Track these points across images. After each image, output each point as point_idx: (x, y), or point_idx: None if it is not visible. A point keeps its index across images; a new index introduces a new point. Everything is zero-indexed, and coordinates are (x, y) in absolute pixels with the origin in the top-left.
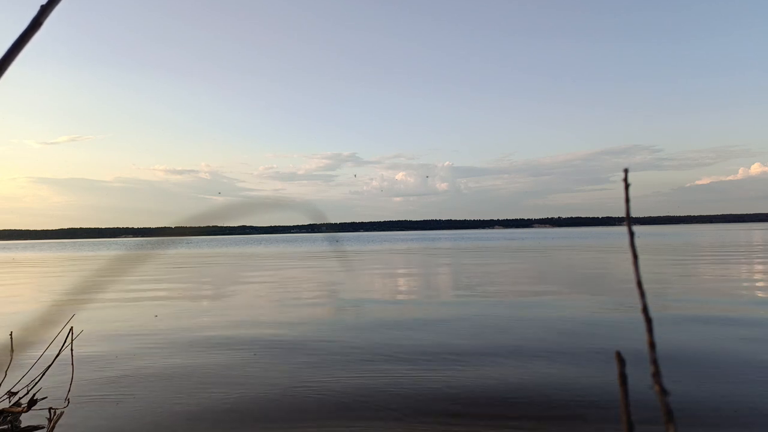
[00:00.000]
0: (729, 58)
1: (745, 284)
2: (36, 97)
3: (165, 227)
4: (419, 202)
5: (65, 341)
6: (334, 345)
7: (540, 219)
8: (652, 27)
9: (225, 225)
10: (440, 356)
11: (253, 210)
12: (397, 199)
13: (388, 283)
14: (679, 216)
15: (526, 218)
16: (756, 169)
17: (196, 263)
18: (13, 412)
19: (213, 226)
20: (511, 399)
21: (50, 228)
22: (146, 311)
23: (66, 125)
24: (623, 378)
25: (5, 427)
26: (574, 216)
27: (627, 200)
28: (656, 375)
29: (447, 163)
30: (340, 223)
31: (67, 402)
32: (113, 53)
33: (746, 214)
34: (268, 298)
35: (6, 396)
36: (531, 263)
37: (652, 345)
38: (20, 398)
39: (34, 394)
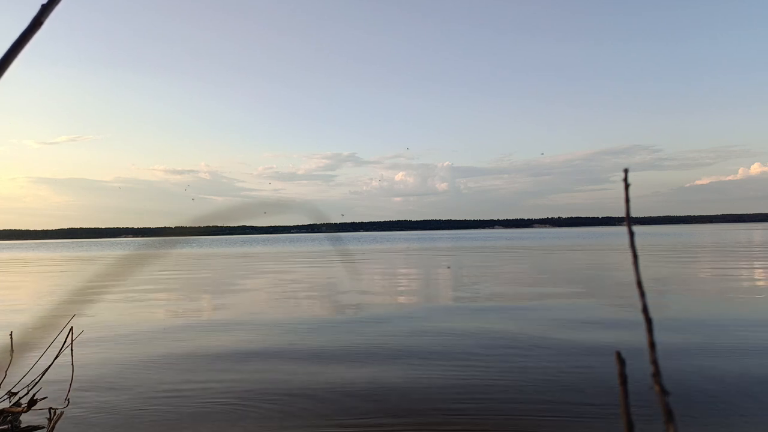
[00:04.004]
0: (729, 58)
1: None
2: (36, 97)
3: (165, 227)
4: (419, 202)
5: (65, 342)
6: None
7: (540, 219)
8: (652, 27)
9: (225, 225)
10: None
11: (254, 211)
12: (397, 199)
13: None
14: (679, 216)
15: (526, 218)
16: (756, 169)
17: (197, 264)
18: (13, 412)
19: (213, 227)
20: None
21: (50, 228)
22: (146, 311)
23: (66, 125)
24: (623, 378)
25: (5, 427)
26: (574, 216)
27: (627, 200)
28: (656, 375)
29: (447, 163)
30: (340, 224)
31: (67, 402)
32: (113, 53)
33: (746, 214)
34: (275, 299)
35: (6, 396)
36: (540, 264)
37: (652, 345)
38: (20, 398)
39: (34, 394)
